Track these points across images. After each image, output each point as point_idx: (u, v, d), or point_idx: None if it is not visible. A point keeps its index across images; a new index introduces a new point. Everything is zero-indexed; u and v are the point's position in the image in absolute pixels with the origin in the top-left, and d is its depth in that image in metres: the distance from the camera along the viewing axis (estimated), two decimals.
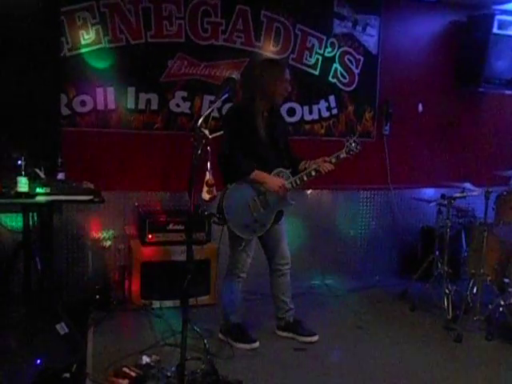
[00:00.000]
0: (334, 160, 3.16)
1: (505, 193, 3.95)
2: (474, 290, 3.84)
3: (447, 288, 3.88)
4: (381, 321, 3.89)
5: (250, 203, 3.17)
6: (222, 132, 2.45)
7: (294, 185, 3.18)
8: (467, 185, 4.01)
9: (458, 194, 3.94)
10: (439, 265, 4.06)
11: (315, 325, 3.61)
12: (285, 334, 3.50)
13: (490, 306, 3.69)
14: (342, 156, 3.17)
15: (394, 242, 4.93)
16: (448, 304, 3.82)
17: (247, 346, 3.29)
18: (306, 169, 3.21)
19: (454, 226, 4.50)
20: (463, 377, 3.09)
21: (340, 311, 4.05)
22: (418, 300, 4.12)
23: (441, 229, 4.11)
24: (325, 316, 3.91)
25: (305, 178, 3.17)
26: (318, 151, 3.35)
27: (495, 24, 4.50)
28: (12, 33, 3.39)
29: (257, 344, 3.32)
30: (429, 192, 4.91)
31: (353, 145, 3.15)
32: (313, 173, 3.16)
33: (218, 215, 3.15)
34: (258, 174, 3.13)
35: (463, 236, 4.67)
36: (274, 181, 3.15)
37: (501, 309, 3.63)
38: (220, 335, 3.42)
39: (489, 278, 3.83)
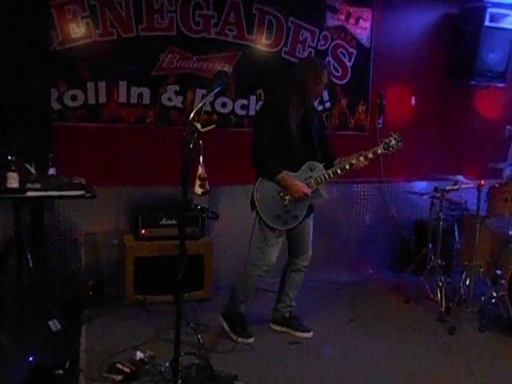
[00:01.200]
0: (370, 155, 3.15)
1: (497, 185, 3.96)
2: (467, 282, 3.87)
3: (440, 280, 3.91)
4: (375, 313, 3.90)
5: (282, 193, 3.15)
6: (214, 126, 2.42)
7: (328, 177, 3.17)
8: (460, 177, 4.03)
9: (450, 187, 3.95)
10: (432, 257, 4.09)
11: (309, 318, 3.61)
12: (279, 327, 3.51)
13: (482, 298, 3.72)
14: (379, 151, 3.17)
15: (387, 235, 4.93)
16: (441, 296, 3.83)
17: (243, 341, 3.28)
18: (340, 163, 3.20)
19: (447, 218, 4.51)
20: (456, 368, 3.11)
21: (334, 304, 4.06)
22: (411, 292, 4.14)
23: (434, 221, 4.12)
24: (319, 309, 3.91)
25: (338, 172, 3.16)
26: None
27: (487, 17, 4.49)
28: (0, 26, 3.34)
29: (252, 340, 3.32)
30: (422, 185, 4.93)
31: (393, 142, 3.16)
32: (347, 166, 3.15)
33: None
34: (282, 178, 3.13)
35: (456, 228, 4.69)
36: (297, 187, 3.12)
37: (493, 300, 3.65)
38: (220, 318, 3.41)
39: (481, 270, 3.87)
